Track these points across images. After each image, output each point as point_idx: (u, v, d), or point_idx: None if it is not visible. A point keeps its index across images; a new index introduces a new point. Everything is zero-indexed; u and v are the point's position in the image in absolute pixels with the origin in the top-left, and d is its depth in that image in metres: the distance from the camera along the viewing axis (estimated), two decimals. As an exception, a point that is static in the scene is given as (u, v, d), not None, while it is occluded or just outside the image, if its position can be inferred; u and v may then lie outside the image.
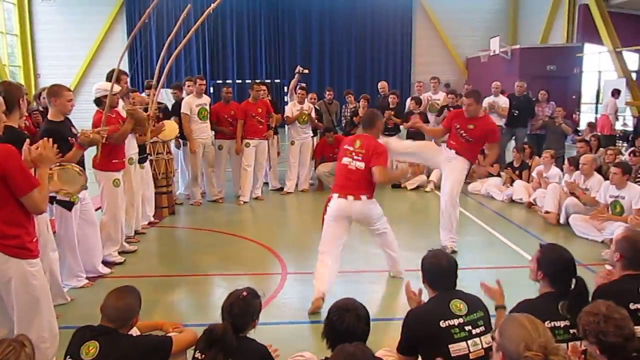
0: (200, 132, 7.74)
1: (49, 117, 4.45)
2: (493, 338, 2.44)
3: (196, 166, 7.82)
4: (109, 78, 5.50)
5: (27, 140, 2.98)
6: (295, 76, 9.58)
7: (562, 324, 2.53)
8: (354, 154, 4.48)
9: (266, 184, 9.15)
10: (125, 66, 17.97)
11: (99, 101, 5.18)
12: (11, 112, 3.31)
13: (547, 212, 6.92)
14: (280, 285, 4.77)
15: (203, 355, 2.45)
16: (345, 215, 4.48)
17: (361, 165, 4.42)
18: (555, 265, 2.71)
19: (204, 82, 7.95)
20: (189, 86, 7.92)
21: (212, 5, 5.93)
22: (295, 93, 9.00)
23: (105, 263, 5.17)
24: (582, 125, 15.41)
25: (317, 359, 2.64)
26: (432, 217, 7.19)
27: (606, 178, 6.71)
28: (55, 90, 4.36)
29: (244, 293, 2.58)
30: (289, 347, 3.06)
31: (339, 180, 4.58)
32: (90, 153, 4.69)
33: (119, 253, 5.45)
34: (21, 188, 2.68)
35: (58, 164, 3.65)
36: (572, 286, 2.66)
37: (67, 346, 2.48)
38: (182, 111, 7.60)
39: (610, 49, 15.55)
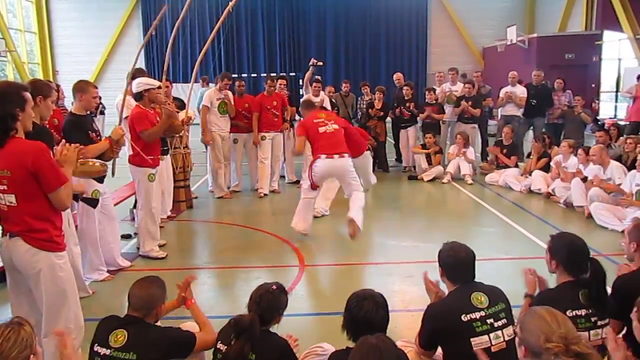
0: (220, 125, 7.85)
1: (73, 110, 4.58)
2: (515, 332, 2.46)
3: (216, 159, 7.92)
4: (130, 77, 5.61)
5: (63, 142, 3.08)
6: (310, 69, 9.57)
7: (583, 312, 2.52)
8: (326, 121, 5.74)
9: (282, 177, 9.19)
10: (142, 64, 18.16)
11: (140, 95, 5.21)
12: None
13: (579, 207, 6.82)
14: (297, 277, 4.81)
15: (226, 347, 2.48)
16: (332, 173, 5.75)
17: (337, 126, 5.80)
18: (567, 251, 2.70)
19: (230, 81, 7.99)
20: (226, 83, 7.86)
21: (230, 4, 6.03)
22: (311, 86, 9.00)
23: (148, 258, 5.30)
24: (602, 114, 15.21)
25: (335, 349, 2.66)
26: (449, 208, 7.18)
27: (627, 166, 6.61)
28: (82, 86, 4.49)
29: (274, 287, 2.63)
30: (306, 339, 3.10)
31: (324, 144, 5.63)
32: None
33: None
34: (51, 184, 2.74)
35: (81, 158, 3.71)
36: (588, 272, 2.64)
37: (94, 335, 2.54)
38: (203, 103, 7.80)
39: (631, 35, 15.25)
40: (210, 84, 10.35)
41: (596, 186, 6.55)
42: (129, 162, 5.28)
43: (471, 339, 2.44)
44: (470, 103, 9.51)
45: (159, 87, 5.39)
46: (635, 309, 2.20)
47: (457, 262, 2.68)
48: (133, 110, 5.19)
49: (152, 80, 5.39)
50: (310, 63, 9.67)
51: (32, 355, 1.99)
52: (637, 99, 10.72)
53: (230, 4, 6.25)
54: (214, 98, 7.78)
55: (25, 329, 2.01)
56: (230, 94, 7.99)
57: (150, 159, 5.23)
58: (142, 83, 5.22)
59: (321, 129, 5.68)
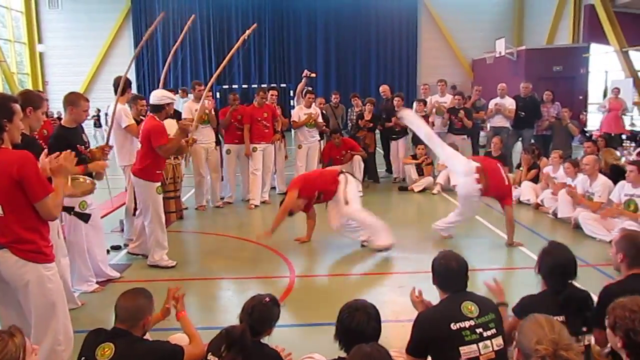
0: (202, 136, 7.75)
1: (62, 122, 4.56)
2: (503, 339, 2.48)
3: (197, 172, 7.89)
4: (115, 84, 5.61)
5: (45, 151, 3.06)
6: (303, 80, 9.61)
7: (560, 318, 2.55)
8: None
9: (273, 188, 9.19)
10: (132, 74, 18.16)
11: (161, 108, 5.15)
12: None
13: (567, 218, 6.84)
14: (288, 288, 4.80)
15: (217, 359, 2.47)
16: None
17: None
18: (549, 265, 2.82)
19: (203, 87, 7.95)
20: (199, 90, 7.85)
21: (247, 32, 6.18)
22: (303, 97, 9.03)
23: (158, 267, 5.28)
24: (589, 126, 15.40)
25: (327, 359, 2.66)
26: (439, 219, 7.19)
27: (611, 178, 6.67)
28: (73, 99, 4.44)
29: (267, 299, 2.62)
30: (297, 350, 3.09)
31: None
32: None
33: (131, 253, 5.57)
34: (36, 194, 2.73)
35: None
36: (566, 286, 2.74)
37: (81, 348, 2.51)
38: (183, 115, 7.64)
39: (617, 48, 15.52)
40: (189, 95, 10.32)
41: (570, 196, 6.69)
42: (134, 175, 5.22)
43: (460, 348, 2.46)
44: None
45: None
46: (607, 317, 2.24)
47: (447, 271, 2.71)
48: (149, 123, 5.11)
49: (171, 94, 5.41)
50: (303, 75, 9.73)
51: None
52: (611, 112, 10.92)
53: (248, 31, 6.39)
54: (192, 109, 7.58)
55: (15, 340, 1.99)
56: (207, 102, 7.92)
57: (158, 173, 5.23)
58: (165, 97, 5.20)
59: None
